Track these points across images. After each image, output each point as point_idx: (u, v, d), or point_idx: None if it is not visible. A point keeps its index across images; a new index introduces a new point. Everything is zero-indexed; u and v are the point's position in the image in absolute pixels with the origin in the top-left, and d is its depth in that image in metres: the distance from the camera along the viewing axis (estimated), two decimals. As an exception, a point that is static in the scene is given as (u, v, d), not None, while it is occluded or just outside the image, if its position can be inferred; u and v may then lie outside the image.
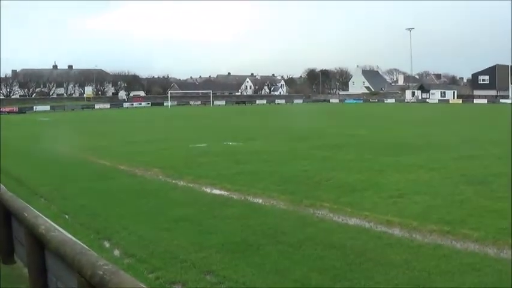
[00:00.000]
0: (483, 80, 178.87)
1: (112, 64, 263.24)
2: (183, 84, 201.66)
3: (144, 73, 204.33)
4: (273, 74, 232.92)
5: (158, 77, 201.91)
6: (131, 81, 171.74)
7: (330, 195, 15.58)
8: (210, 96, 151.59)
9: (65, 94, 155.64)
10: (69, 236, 6.14)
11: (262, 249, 10.46)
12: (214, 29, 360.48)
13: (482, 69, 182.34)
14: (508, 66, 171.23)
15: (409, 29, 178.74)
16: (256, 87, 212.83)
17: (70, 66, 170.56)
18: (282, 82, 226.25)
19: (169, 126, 53.90)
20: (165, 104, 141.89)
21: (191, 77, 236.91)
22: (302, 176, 19.01)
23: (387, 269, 9.18)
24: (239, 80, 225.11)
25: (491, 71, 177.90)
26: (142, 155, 26.50)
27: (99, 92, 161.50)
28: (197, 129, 46.97)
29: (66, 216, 13.84)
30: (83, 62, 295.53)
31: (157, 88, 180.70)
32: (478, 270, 9.11)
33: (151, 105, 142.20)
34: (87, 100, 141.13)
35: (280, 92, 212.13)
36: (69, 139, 37.30)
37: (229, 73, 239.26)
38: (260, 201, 15.24)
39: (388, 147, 28.64)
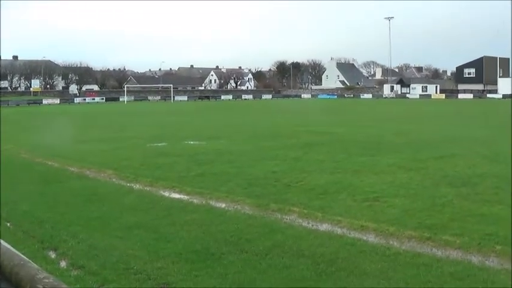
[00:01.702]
0: (469, 74, 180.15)
1: (62, 55, 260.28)
2: (141, 77, 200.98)
3: (98, 65, 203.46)
4: (240, 67, 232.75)
5: (114, 70, 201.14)
6: (83, 74, 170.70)
7: (299, 198, 15.54)
8: (170, 90, 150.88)
9: (9, 88, 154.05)
10: (7, 245, 6.01)
11: (225, 258, 10.37)
12: (175, 18, 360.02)
13: (467, 61, 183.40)
14: (496, 58, 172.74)
15: (388, 18, 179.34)
16: (222, 81, 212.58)
17: (15, 57, 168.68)
18: (250, 75, 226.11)
19: (125, 123, 53.55)
20: (121, 99, 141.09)
21: (150, 70, 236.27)
22: (270, 178, 18.96)
23: (361, 279, 9.16)
24: (203, 73, 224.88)
25: (477, 64, 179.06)
26: (95, 155, 26.28)
27: (48, 86, 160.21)
28: (156, 127, 46.64)
29: (8, 224, 13.58)
30: (30, 52, 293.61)
31: (112, 82, 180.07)
32: (460, 280, 9.12)
33: (105, 100, 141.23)
34: (34, 94, 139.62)
35: (247, 87, 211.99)
36: (13, 137, 36.78)
37: (192, 66, 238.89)
38: (223, 205, 15.15)
39: (363, 146, 28.72)
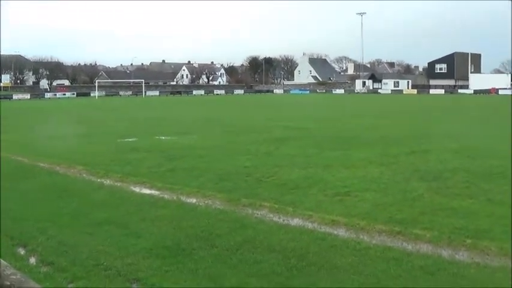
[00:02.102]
0: (440, 69, 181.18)
1: (33, 50, 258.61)
2: (112, 72, 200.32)
3: (69, 60, 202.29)
4: (212, 62, 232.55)
5: (85, 65, 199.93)
6: (54, 69, 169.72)
7: (271, 193, 15.55)
8: (142, 86, 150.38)
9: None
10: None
11: (196, 253, 10.33)
12: (147, 14, 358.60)
13: (439, 57, 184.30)
14: (467, 53, 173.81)
15: (360, 13, 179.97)
16: (194, 76, 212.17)
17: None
18: (222, 71, 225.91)
19: (96, 118, 53.27)
20: (92, 94, 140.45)
21: (122, 65, 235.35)
22: (241, 173, 18.95)
23: (332, 273, 9.16)
24: (175, 68, 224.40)
25: (449, 59, 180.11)
26: (65, 150, 26.02)
27: (18, 81, 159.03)
28: (127, 122, 46.43)
29: (-24, 221, 13.46)
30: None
31: (83, 77, 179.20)
32: (431, 274, 9.15)
33: (76, 95, 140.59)
34: (4, 89, 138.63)
35: (219, 82, 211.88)
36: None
37: (163, 60, 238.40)
38: (194, 201, 15.09)
39: (335, 140, 28.83)
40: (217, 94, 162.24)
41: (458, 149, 24.77)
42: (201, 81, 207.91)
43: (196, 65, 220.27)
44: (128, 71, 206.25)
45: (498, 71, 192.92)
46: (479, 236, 11.07)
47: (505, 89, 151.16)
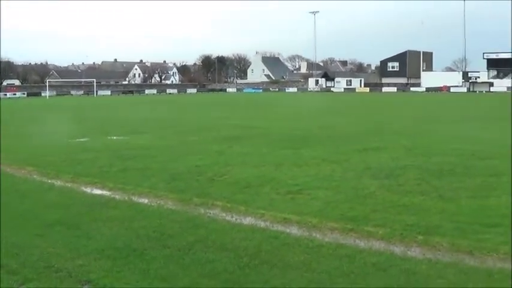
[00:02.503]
0: (392, 67, 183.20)
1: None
2: (63, 71, 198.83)
3: (19, 59, 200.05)
4: (165, 61, 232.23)
5: (36, 64, 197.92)
6: (4, 69, 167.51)
7: (223, 192, 15.51)
8: (93, 85, 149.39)
9: None
10: None
11: (148, 254, 10.26)
12: (99, 12, 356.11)
13: (391, 55, 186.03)
14: (419, 52, 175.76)
15: (313, 12, 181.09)
16: (146, 75, 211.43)
17: None
18: (175, 70, 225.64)
19: (46, 118, 52.82)
20: (43, 94, 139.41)
21: (73, 64, 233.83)
22: (193, 173, 18.88)
23: (284, 271, 9.17)
24: (127, 67, 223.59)
25: (401, 58, 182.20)
26: (15, 151, 25.70)
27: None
28: (78, 122, 46.08)
29: None
30: None
31: (34, 76, 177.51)
32: (383, 271, 9.18)
33: (27, 95, 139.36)
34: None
35: (172, 81, 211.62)
36: None
37: (115, 59, 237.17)
38: (146, 201, 14.98)
39: (288, 139, 28.93)
40: (170, 93, 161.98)
41: (410, 146, 25.05)
42: (153, 80, 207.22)
43: (148, 64, 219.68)
44: (79, 70, 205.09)
45: (450, 69, 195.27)
46: (431, 232, 11.18)
47: (457, 86, 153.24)
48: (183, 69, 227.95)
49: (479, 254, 9.94)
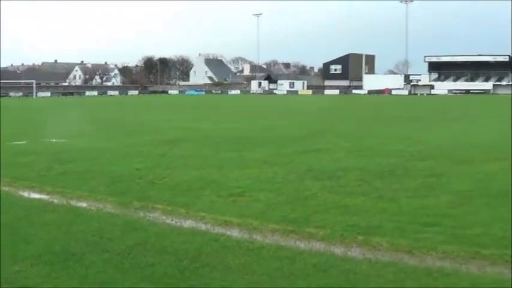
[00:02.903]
0: (335, 70, 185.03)
1: None
2: (2, 72, 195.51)
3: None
4: (106, 62, 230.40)
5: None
6: None
7: (163, 195, 15.42)
8: (33, 86, 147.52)
9: None
10: None
11: (86, 258, 10.12)
12: (39, 10, 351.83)
13: (334, 58, 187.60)
14: (362, 55, 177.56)
15: (256, 14, 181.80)
16: (87, 76, 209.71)
17: None
18: (116, 71, 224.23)
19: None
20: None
21: (12, 65, 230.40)
22: (134, 175, 18.74)
23: (225, 274, 9.14)
24: (68, 69, 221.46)
25: (343, 61, 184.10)
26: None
27: None
28: (15, 125, 45.45)
29: None
30: None
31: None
32: (324, 272, 9.21)
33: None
34: None
35: (113, 82, 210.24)
36: None
37: (56, 60, 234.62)
38: (85, 204, 14.77)
39: (230, 141, 28.97)
40: (111, 95, 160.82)
41: (352, 148, 25.28)
42: (94, 81, 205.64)
43: (89, 65, 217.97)
44: (19, 71, 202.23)
45: (392, 72, 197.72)
46: (371, 233, 11.28)
47: (398, 89, 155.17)
48: (124, 71, 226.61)
49: (418, 253, 10.05)
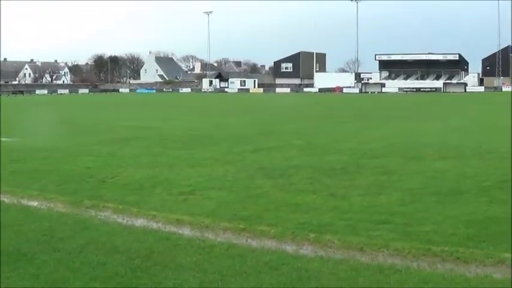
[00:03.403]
0: (286, 68, 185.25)
1: None
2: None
3: None
4: (56, 61, 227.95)
5: None
6: None
7: (114, 194, 15.37)
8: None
9: None
10: None
11: (37, 258, 10.03)
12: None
13: (285, 56, 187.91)
14: (312, 53, 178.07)
15: (207, 12, 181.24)
16: (37, 75, 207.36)
17: None
18: (66, 69, 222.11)
19: None
20: None
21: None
22: (85, 174, 18.62)
23: (176, 272, 9.13)
24: (17, 67, 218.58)
25: (294, 59, 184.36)
26: None
27: None
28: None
29: None
30: None
31: None
32: (275, 269, 9.23)
33: None
34: None
35: (63, 81, 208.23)
36: None
37: (5, 59, 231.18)
38: (36, 204, 14.66)
39: (181, 140, 28.98)
40: (61, 94, 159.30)
41: (303, 146, 25.43)
42: (44, 80, 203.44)
43: (39, 64, 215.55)
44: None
45: (343, 70, 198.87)
46: (323, 230, 11.35)
47: (349, 87, 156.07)
48: (75, 69, 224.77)
49: (370, 250, 10.16)
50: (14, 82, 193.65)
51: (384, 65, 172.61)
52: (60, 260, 9.91)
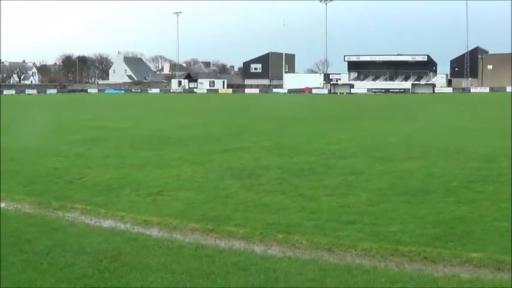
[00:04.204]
0: (255, 69, 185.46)
1: None
2: None
3: None
4: (24, 61, 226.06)
5: None
6: None
7: (82, 195, 15.32)
8: None
9: None
10: None
11: (4, 260, 9.94)
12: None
13: (254, 57, 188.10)
14: (281, 54, 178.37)
15: (176, 13, 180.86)
16: (4, 75, 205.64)
17: None
18: (34, 70, 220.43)
19: None
20: None
21: None
22: (52, 175, 18.53)
23: (144, 273, 9.11)
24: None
25: (263, 59, 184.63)
26: None
27: None
28: None
29: None
30: None
31: None
32: (243, 270, 9.25)
33: None
34: None
35: (31, 81, 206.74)
36: None
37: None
38: (3, 205, 14.52)
39: (149, 140, 28.88)
40: (29, 94, 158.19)
41: (272, 146, 25.45)
42: (12, 80, 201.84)
43: (6, 64, 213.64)
44: None
45: (312, 71, 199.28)
46: (291, 231, 11.41)
47: (318, 88, 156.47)
48: (43, 69, 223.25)
49: (338, 250, 10.23)
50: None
51: (353, 66, 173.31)
52: (28, 261, 9.85)
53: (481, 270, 9.20)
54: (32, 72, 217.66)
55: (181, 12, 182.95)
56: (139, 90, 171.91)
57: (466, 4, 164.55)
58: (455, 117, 48.46)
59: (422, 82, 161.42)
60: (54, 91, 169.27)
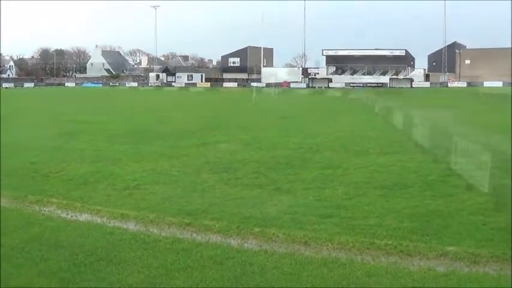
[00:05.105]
0: (233, 63, 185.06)
1: None
2: None
3: None
4: (1, 54, 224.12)
5: None
6: None
7: (59, 189, 15.27)
8: None
9: None
10: None
11: (-21, 254, 9.97)
12: None
13: (232, 51, 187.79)
14: (260, 48, 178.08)
15: (154, 6, 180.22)
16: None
17: None
18: (11, 63, 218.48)
19: None
20: None
21: None
22: (28, 169, 18.45)
23: (121, 267, 9.10)
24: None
25: (242, 53, 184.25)
26: None
27: None
28: None
29: None
30: None
31: None
32: (220, 264, 9.28)
33: None
34: None
35: (8, 75, 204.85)
36: None
37: None
38: (-22, 199, 14.53)
39: (126, 134, 28.85)
40: (6, 87, 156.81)
41: (249, 140, 25.49)
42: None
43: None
44: None
45: (290, 65, 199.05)
46: (267, 224, 11.46)
47: (297, 82, 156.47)
48: (20, 63, 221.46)
49: (314, 244, 10.28)
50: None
51: (331, 60, 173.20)
52: (4, 255, 9.81)
53: (456, 264, 9.29)
54: (9, 66, 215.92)
55: (159, 6, 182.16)
56: (117, 84, 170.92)
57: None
58: (430, 111, 48.56)
59: (400, 76, 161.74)
60: (31, 85, 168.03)
